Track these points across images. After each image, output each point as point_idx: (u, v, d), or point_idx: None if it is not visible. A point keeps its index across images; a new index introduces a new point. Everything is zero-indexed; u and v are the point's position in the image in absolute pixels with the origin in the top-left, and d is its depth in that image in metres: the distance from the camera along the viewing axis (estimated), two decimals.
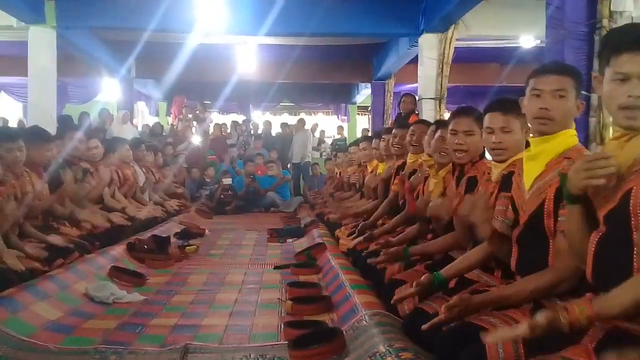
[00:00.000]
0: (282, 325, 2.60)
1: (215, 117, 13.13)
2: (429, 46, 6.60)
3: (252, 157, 9.24)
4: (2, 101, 13.17)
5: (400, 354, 1.86)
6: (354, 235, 3.98)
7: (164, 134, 10.97)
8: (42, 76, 6.90)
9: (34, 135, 3.82)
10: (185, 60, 9.12)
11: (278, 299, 3.17)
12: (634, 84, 1.36)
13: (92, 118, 11.07)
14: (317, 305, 2.91)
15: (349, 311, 2.65)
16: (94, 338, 2.45)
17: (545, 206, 1.70)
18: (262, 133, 11.40)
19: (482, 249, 2.07)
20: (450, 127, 2.50)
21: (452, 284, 2.13)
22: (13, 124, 10.29)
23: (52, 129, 6.78)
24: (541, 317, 1.35)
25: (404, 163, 3.64)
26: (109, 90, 11.48)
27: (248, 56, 9.13)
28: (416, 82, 7.13)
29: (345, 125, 13.92)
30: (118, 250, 4.08)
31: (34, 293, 2.76)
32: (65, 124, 6.89)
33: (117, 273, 3.51)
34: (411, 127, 3.58)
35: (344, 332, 2.35)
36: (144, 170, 6.56)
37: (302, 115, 14.48)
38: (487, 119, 2.11)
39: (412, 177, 3.33)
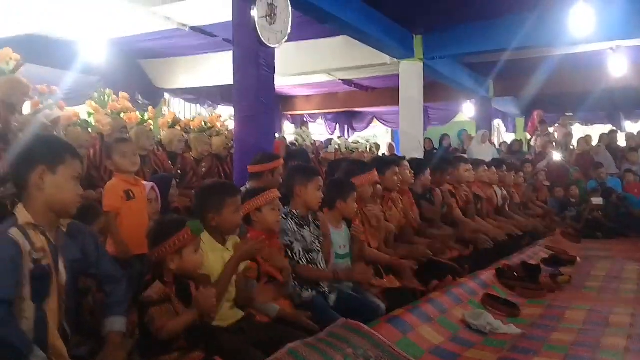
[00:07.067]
0: None
1: (579, 129, 12.15)
2: None
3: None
4: (375, 128, 15.11)
5: None
6: None
7: (522, 151, 10.72)
8: (411, 105, 7.64)
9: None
10: (546, 74, 8.80)
11: None
12: None
13: (451, 138, 11.69)
14: None
15: None
16: None
17: None
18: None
19: None
20: None
21: None
22: (383, 147, 11.59)
23: (419, 153, 7.43)
24: None
25: None
26: (467, 110, 11.88)
27: (619, 60, 8.16)
28: None
29: None
30: (487, 276, 4.08)
31: (419, 315, 2.95)
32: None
33: (491, 301, 3.51)
34: None
35: None
36: (504, 190, 6.49)
37: None
38: None
39: None
